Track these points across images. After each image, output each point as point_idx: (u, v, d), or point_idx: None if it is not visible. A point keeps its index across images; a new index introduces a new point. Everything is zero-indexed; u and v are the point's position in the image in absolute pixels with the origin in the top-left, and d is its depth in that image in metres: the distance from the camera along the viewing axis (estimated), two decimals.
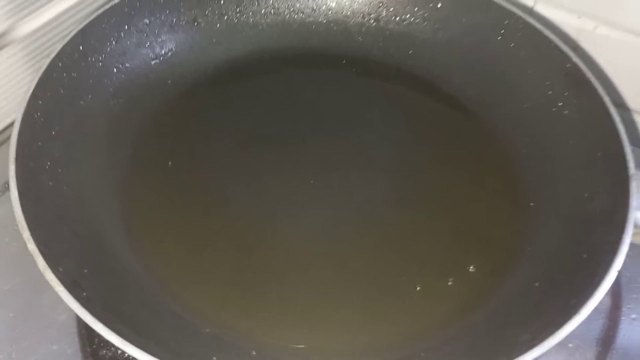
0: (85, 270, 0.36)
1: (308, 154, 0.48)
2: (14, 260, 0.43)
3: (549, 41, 0.48)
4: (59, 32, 0.51)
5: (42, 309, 0.42)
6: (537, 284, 0.38)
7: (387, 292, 0.40)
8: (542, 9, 0.54)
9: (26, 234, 0.34)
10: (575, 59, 0.46)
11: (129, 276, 0.39)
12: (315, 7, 0.56)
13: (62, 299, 0.40)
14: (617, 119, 0.42)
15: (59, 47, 0.44)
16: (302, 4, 0.56)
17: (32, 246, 0.33)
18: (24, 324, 0.41)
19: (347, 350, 0.38)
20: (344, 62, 0.55)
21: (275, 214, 0.44)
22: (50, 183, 0.40)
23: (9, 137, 0.50)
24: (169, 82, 0.51)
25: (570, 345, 0.40)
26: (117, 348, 0.39)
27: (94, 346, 0.40)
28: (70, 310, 0.41)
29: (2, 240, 0.45)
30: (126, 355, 0.38)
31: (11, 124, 0.50)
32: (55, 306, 0.42)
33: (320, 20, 0.56)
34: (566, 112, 0.47)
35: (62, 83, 0.44)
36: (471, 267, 0.41)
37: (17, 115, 0.40)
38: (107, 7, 0.48)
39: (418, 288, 0.40)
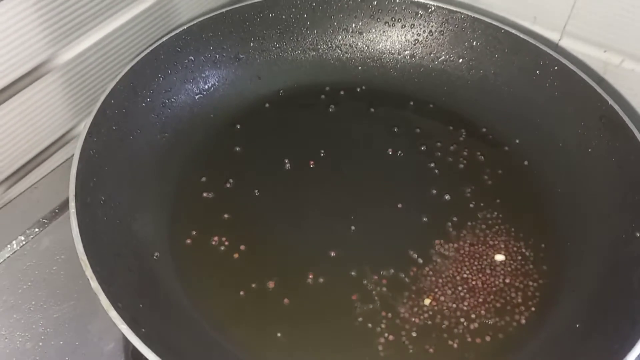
0: (141, 306, 0.38)
1: (346, 188, 0.49)
2: (63, 288, 0.45)
3: (584, 83, 0.49)
4: (96, 59, 0.52)
5: (90, 338, 0.43)
6: (578, 325, 0.39)
7: (428, 341, 0.41)
8: (568, 44, 0.56)
9: (89, 272, 0.35)
10: (611, 102, 0.47)
11: (180, 312, 0.40)
12: (352, 44, 0.58)
13: (111, 329, 0.42)
14: None
15: (111, 85, 0.46)
16: (339, 41, 0.58)
17: (95, 284, 0.35)
18: (74, 352, 0.42)
19: None
20: (380, 96, 0.56)
21: (314, 248, 0.45)
22: (105, 218, 0.41)
23: (44, 161, 0.52)
24: (212, 115, 0.53)
25: None
26: None
27: None
28: (117, 339, 0.43)
29: (50, 269, 0.46)
30: None
31: (48, 147, 0.52)
32: (102, 335, 0.43)
33: (357, 55, 0.58)
34: (601, 153, 0.48)
35: (114, 120, 0.45)
36: (512, 306, 0.42)
37: (76, 153, 0.41)
38: (155, 45, 0.49)
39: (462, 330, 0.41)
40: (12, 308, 0.44)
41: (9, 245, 0.47)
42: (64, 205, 0.50)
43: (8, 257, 0.47)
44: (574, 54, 0.56)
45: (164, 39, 0.50)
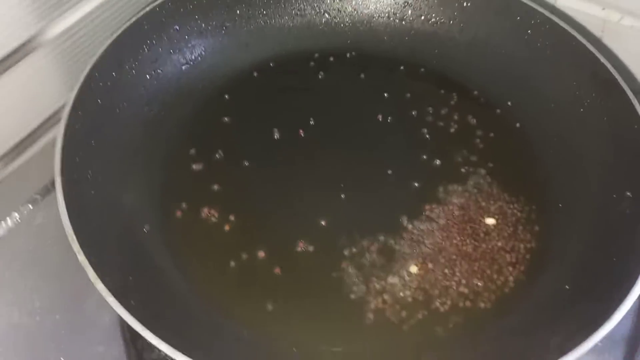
0: (130, 278, 0.38)
1: (336, 155, 0.49)
2: (57, 265, 0.45)
3: (576, 41, 0.48)
4: (86, 32, 0.52)
5: (85, 312, 0.43)
6: (567, 287, 0.39)
7: (419, 307, 0.41)
8: (566, 2, 0.54)
9: (76, 246, 0.35)
10: (603, 60, 0.47)
11: (170, 284, 0.40)
12: (340, 8, 0.57)
13: (107, 303, 0.43)
14: None
15: (94, 58, 0.45)
16: (327, 5, 0.56)
17: (82, 257, 0.35)
18: (70, 326, 0.43)
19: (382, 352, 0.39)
20: (370, 61, 0.55)
21: (304, 217, 0.45)
22: (93, 192, 0.41)
23: (40, 137, 0.52)
24: (199, 86, 0.52)
25: (599, 344, 0.41)
26: (161, 351, 0.41)
27: (139, 348, 0.41)
28: (113, 313, 0.43)
29: (45, 244, 0.46)
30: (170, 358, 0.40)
31: (43, 124, 0.52)
32: (97, 309, 0.43)
33: (345, 20, 0.57)
34: (593, 112, 0.47)
35: (99, 94, 0.45)
36: (502, 270, 0.42)
37: (60, 128, 0.41)
38: (138, 16, 0.49)
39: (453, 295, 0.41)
40: (7, 284, 0.44)
41: (2, 222, 0.47)
42: None
43: (2, 234, 0.47)
44: (572, 12, 0.55)
45: (148, 8, 0.49)
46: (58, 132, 0.41)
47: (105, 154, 0.44)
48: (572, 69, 0.49)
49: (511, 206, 0.46)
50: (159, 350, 0.40)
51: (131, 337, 0.42)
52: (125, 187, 0.44)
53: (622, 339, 0.42)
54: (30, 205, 0.49)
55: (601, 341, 0.39)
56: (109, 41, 0.46)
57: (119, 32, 0.47)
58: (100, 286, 0.34)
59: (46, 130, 0.53)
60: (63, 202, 0.37)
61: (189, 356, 0.33)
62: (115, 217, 0.42)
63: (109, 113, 0.46)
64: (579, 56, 0.48)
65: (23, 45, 0.47)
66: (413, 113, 0.52)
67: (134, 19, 0.48)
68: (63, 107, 0.51)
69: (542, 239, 0.44)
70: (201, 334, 0.38)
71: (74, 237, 0.36)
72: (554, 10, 0.54)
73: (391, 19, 0.57)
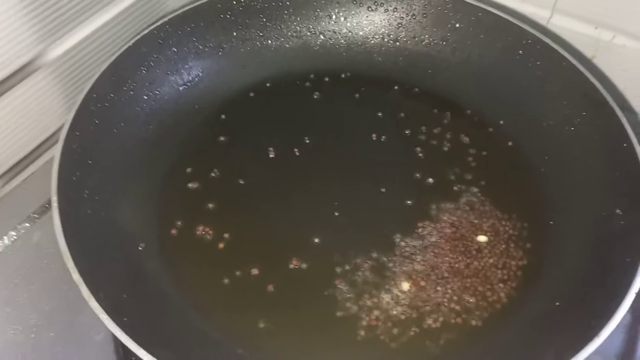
0: (125, 296, 0.38)
1: (330, 174, 0.50)
2: (54, 281, 0.46)
3: (567, 61, 0.49)
4: (86, 54, 0.53)
5: (80, 329, 0.44)
6: (558, 304, 0.39)
7: (411, 325, 0.42)
8: (559, 21, 0.55)
9: (70, 264, 0.36)
10: (593, 80, 0.47)
11: (166, 301, 0.41)
12: (336, 30, 0.58)
13: (100, 321, 0.43)
14: (634, 140, 0.43)
15: (93, 79, 0.46)
16: (323, 27, 0.58)
17: (76, 276, 0.35)
18: (65, 343, 0.43)
19: None
20: (364, 81, 0.56)
21: (298, 235, 0.45)
22: (89, 211, 0.42)
23: (39, 157, 0.53)
24: (196, 106, 0.53)
25: None
26: None
27: None
28: (107, 330, 0.44)
29: (41, 262, 0.47)
30: None
31: (42, 143, 0.53)
32: (92, 326, 0.44)
33: (340, 42, 0.58)
34: (584, 131, 0.48)
35: (97, 114, 0.46)
36: (494, 286, 0.43)
37: (57, 149, 0.42)
38: (137, 38, 0.50)
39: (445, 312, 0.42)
40: (3, 301, 0.45)
41: (0, 241, 0.48)
42: None
43: (0, 252, 0.47)
44: (564, 32, 0.56)
45: (145, 31, 0.50)
46: (55, 152, 0.41)
47: (102, 173, 0.45)
48: (563, 89, 0.50)
49: (503, 223, 0.46)
50: None
51: (124, 354, 0.42)
52: (122, 206, 0.45)
53: (615, 355, 0.42)
54: (27, 224, 0.49)
55: (593, 357, 0.40)
56: (107, 63, 0.47)
57: (117, 54, 0.48)
58: (94, 304, 0.35)
59: (45, 150, 0.54)
60: (59, 221, 0.38)
61: None
62: (111, 235, 0.42)
63: (106, 133, 0.47)
64: (569, 76, 0.49)
65: (24, 66, 0.48)
66: (407, 132, 0.52)
67: (132, 41, 0.49)
68: (60, 128, 0.53)
69: (534, 255, 0.44)
70: (195, 350, 0.38)
71: (69, 255, 0.36)
72: (545, 31, 0.55)
73: (385, 40, 0.58)
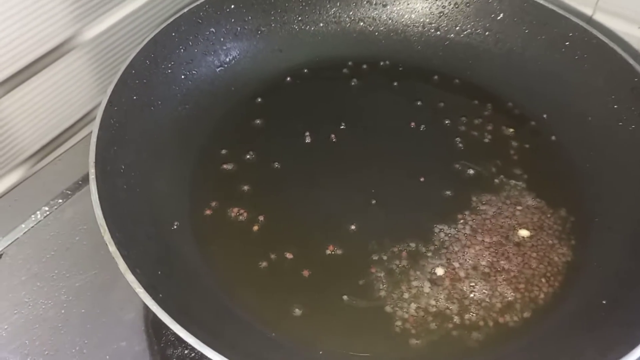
0: (159, 272, 0.38)
1: (367, 161, 0.49)
2: (85, 258, 0.45)
3: (616, 54, 0.48)
4: (120, 36, 0.52)
5: (111, 307, 0.43)
6: (604, 302, 0.38)
7: (448, 317, 0.40)
8: (601, 19, 0.54)
9: (107, 236, 0.35)
10: None
11: (198, 279, 0.40)
12: (375, 16, 0.57)
13: (132, 299, 0.42)
14: None
15: (132, 55, 0.46)
16: (362, 13, 0.57)
17: (113, 248, 0.35)
18: (95, 320, 0.42)
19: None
20: (403, 70, 0.55)
21: (334, 221, 0.44)
22: (125, 187, 0.41)
23: (73, 136, 0.53)
24: (233, 88, 0.53)
25: None
26: (184, 347, 0.40)
27: (162, 344, 0.41)
28: (138, 309, 0.43)
29: (73, 238, 0.47)
30: (192, 354, 0.40)
31: (76, 122, 0.53)
32: (123, 304, 0.43)
33: (380, 29, 0.57)
34: (632, 127, 0.46)
35: (135, 90, 0.45)
36: (536, 282, 0.41)
37: (96, 120, 0.41)
38: (176, 16, 0.49)
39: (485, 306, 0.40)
40: (35, 276, 0.44)
41: (33, 216, 0.48)
42: (87, 177, 0.50)
43: (32, 227, 0.47)
44: (610, 24, 0.54)
45: (185, 10, 0.50)
46: (94, 125, 0.41)
47: (138, 149, 0.44)
48: (610, 82, 0.48)
49: (547, 218, 0.45)
50: (182, 347, 0.40)
51: (155, 334, 0.42)
52: (156, 184, 0.44)
53: None
54: (60, 200, 0.49)
55: None
56: (147, 40, 0.47)
57: (157, 31, 0.48)
58: (130, 277, 0.34)
59: (79, 130, 0.54)
60: (96, 192, 0.37)
61: (216, 351, 0.32)
62: (146, 211, 0.41)
63: (143, 110, 0.46)
64: (617, 70, 0.48)
65: (60, 45, 0.48)
66: (446, 122, 0.51)
67: (171, 19, 0.49)
68: (95, 108, 0.53)
69: (578, 252, 0.43)
70: (227, 330, 0.37)
71: (106, 228, 0.36)
72: (590, 21, 0.54)
73: (426, 28, 0.56)
